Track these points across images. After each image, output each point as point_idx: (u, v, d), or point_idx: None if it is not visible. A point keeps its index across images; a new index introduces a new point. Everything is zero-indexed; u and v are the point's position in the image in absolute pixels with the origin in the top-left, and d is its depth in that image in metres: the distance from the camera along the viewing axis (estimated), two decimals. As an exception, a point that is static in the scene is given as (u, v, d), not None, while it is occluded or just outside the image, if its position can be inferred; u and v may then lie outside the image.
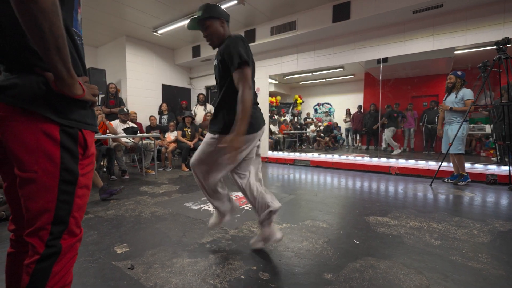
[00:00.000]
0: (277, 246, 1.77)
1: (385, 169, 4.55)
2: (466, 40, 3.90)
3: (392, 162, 4.67)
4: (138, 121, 5.70)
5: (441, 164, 3.65)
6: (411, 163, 4.50)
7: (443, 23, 4.05)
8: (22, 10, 0.56)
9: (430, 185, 3.58)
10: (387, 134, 6.74)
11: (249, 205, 2.66)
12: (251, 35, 5.57)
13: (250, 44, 5.50)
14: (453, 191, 3.26)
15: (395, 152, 6.41)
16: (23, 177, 0.68)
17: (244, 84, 1.35)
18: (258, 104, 1.62)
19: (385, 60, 4.73)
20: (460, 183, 3.56)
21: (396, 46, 4.46)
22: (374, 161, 4.86)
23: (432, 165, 4.29)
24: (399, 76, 7.24)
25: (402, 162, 4.57)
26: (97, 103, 0.79)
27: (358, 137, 8.34)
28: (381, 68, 4.95)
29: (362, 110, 8.00)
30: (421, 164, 4.40)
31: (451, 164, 3.84)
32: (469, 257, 1.60)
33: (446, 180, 3.77)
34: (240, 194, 3.11)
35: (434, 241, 1.83)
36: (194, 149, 5.08)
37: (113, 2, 4.46)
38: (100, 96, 5.64)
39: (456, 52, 4.33)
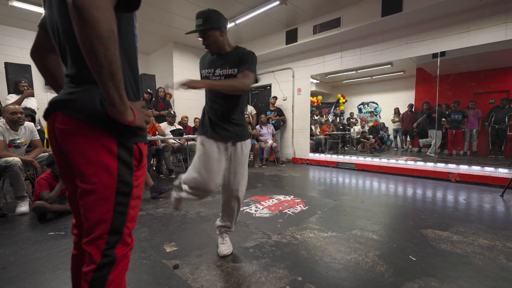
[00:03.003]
0: (323, 256, 1.68)
1: (443, 175, 4.09)
2: (551, 26, 3.30)
3: (452, 167, 4.18)
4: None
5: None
6: (476, 169, 3.97)
7: (519, 8, 3.49)
8: (81, 35, 0.57)
9: (502, 195, 3.10)
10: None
11: (291, 210, 2.61)
12: (293, 35, 5.48)
13: (292, 44, 5.50)
14: (532, 204, 2.78)
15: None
16: (84, 188, 0.71)
17: (248, 80, 1.43)
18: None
19: (442, 54, 4.25)
20: None
21: (457, 38, 3.98)
22: (429, 165, 4.40)
23: (503, 172, 3.73)
24: (459, 71, 6.46)
25: (464, 168, 4.06)
26: (147, 127, 0.78)
27: (408, 139, 7.67)
28: (438, 63, 4.47)
29: (413, 109, 7.33)
30: (489, 170, 3.86)
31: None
32: (562, 289, 1.33)
33: (521, 190, 3.24)
34: (281, 197, 3.07)
35: None
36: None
37: (162, 11, 4.77)
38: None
39: (535, 41, 3.70)
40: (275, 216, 2.43)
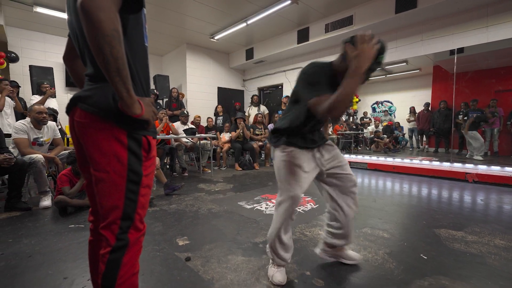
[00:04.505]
0: (332, 253, 1.69)
1: (460, 175, 3.96)
2: None
3: (469, 167, 4.04)
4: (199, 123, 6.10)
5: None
6: (495, 170, 3.82)
7: (543, 1, 3.34)
8: (88, 35, 0.63)
9: (522, 197, 2.98)
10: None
11: (301, 208, 2.62)
12: (304, 35, 5.47)
13: (302, 44, 5.48)
14: (555, 206, 2.66)
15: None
16: (97, 176, 0.78)
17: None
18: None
19: (460, 50, 4.12)
20: None
21: (475, 34, 3.85)
22: (446, 165, 4.28)
23: (524, 172, 3.58)
24: (478, 68, 6.22)
25: (483, 168, 3.92)
26: (153, 121, 0.84)
27: (424, 138, 7.46)
28: (455, 60, 4.34)
29: (429, 108, 7.13)
30: (509, 170, 3.71)
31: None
32: None
33: (544, 191, 3.10)
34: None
35: (529, 265, 1.52)
36: (244, 149, 5.22)
37: (175, 13, 4.89)
38: (164, 100, 6.25)
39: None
40: (285, 214, 2.45)
